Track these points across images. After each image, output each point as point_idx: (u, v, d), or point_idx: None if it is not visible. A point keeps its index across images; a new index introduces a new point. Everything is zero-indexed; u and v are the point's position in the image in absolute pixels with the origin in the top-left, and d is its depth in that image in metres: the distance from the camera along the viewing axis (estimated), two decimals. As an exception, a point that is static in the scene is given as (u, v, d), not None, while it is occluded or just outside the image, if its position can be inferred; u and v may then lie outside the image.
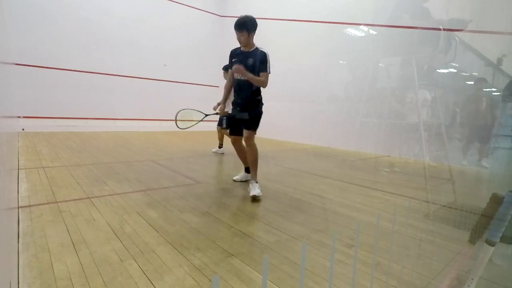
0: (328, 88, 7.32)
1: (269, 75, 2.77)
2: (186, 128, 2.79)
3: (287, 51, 8.39)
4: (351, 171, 4.26)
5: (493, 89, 3.96)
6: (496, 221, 0.99)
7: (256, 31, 2.77)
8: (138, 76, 9.23)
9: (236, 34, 2.67)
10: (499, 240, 1.00)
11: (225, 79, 2.73)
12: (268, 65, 2.71)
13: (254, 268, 1.42)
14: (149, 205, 2.29)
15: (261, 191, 2.66)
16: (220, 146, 5.34)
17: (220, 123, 5.16)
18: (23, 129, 7.10)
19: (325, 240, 1.80)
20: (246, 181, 3.15)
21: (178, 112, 2.83)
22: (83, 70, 8.10)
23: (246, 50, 2.76)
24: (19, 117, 7.12)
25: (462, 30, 3.29)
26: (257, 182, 2.73)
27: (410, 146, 5.16)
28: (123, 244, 1.61)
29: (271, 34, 8.83)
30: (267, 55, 2.70)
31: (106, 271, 1.34)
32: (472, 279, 1.04)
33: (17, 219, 1.90)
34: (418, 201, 2.80)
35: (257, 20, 2.76)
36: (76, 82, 7.97)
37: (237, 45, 2.83)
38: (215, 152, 5.32)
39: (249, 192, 2.65)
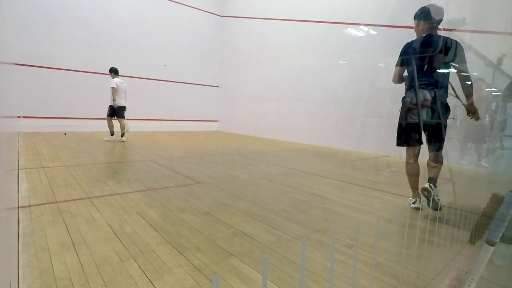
0: (328, 88, 7.32)
1: (396, 67, 2.56)
2: None
3: (287, 51, 8.39)
4: (351, 171, 4.26)
5: (493, 89, 3.96)
6: (496, 221, 0.99)
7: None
8: (138, 76, 9.24)
9: None
10: (499, 240, 1.00)
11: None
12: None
13: (254, 268, 1.42)
14: (149, 205, 2.29)
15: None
16: (112, 134, 6.29)
17: (110, 114, 6.24)
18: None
19: (325, 240, 1.79)
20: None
21: None
22: (83, 70, 8.11)
23: None
24: (19, 117, 7.12)
25: (460, 30, 3.30)
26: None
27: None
28: (123, 244, 1.61)
29: (271, 34, 8.84)
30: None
31: (106, 271, 1.34)
32: (472, 279, 1.04)
33: (17, 219, 1.90)
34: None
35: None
36: (76, 82, 7.99)
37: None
38: (108, 140, 6.20)
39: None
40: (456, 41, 2.31)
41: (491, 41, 3.72)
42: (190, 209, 2.25)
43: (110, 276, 1.30)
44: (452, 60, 2.34)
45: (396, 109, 2.88)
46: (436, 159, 2.47)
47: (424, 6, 2.44)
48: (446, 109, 2.44)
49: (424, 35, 2.41)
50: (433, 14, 2.36)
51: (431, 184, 2.35)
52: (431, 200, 2.26)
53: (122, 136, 6.32)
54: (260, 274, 1.38)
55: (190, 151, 5.46)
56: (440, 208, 2.30)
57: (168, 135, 8.50)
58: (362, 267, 1.49)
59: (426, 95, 2.45)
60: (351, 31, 6.84)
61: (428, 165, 2.51)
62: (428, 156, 2.54)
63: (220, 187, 2.97)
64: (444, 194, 2.83)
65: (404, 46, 2.51)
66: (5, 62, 2.76)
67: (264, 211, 2.29)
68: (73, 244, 1.58)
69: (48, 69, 7.57)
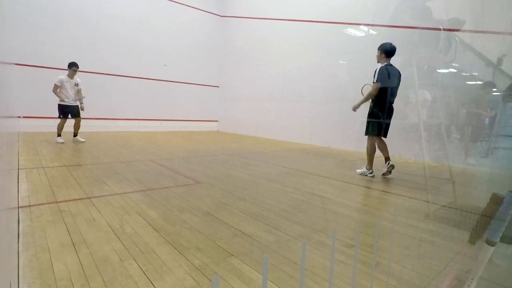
0: (328, 88, 7.31)
1: (376, 83, 3.57)
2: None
3: (287, 51, 8.39)
4: (351, 171, 4.25)
5: (493, 89, 3.95)
6: (496, 221, 0.99)
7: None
8: (138, 76, 9.23)
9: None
10: (499, 240, 1.00)
11: None
12: (375, 77, 3.57)
13: (254, 268, 1.42)
14: (149, 205, 2.29)
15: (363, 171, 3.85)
16: (60, 135, 5.79)
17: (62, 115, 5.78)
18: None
19: (325, 240, 1.79)
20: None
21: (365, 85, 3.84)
22: (83, 70, 8.08)
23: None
24: (19, 117, 7.11)
25: (460, 30, 3.37)
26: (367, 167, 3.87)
27: (410, 146, 5.16)
28: (123, 244, 1.61)
29: (271, 34, 8.84)
30: (376, 69, 3.58)
31: (106, 271, 1.34)
32: (472, 279, 1.04)
33: (17, 219, 1.90)
34: (418, 201, 2.80)
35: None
36: (76, 82, 7.96)
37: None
38: (60, 142, 5.67)
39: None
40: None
41: (491, 41, 3.72)
42: (190, 209, 2.25)
43: (110, 276, 1.30)
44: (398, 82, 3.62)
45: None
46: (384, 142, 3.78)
47: (388, 44, 3.55)
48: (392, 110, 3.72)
49: (388, 64, 3.56)
50: (394, 52, 3.55)
51: (390, 162, 3.72)
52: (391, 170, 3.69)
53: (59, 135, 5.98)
54: (260, 274, 1.38)
55: (190, 151, 5.46)
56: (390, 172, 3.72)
57: (168, 135, 8.50)
58: (362, 267, 1.49)
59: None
60: (351, 31, 6.83)
61: (381, 148, 3.78)
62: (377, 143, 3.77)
63: (220, 187, 2.97)
64: (444, 194, 2.83)
65: (381, 69, 3.52)
66: (5, 62, 2.76)
67: (264, 211, 2.29)
68: (73, 244, 1.58)
69: (48, 69, 7.56)
